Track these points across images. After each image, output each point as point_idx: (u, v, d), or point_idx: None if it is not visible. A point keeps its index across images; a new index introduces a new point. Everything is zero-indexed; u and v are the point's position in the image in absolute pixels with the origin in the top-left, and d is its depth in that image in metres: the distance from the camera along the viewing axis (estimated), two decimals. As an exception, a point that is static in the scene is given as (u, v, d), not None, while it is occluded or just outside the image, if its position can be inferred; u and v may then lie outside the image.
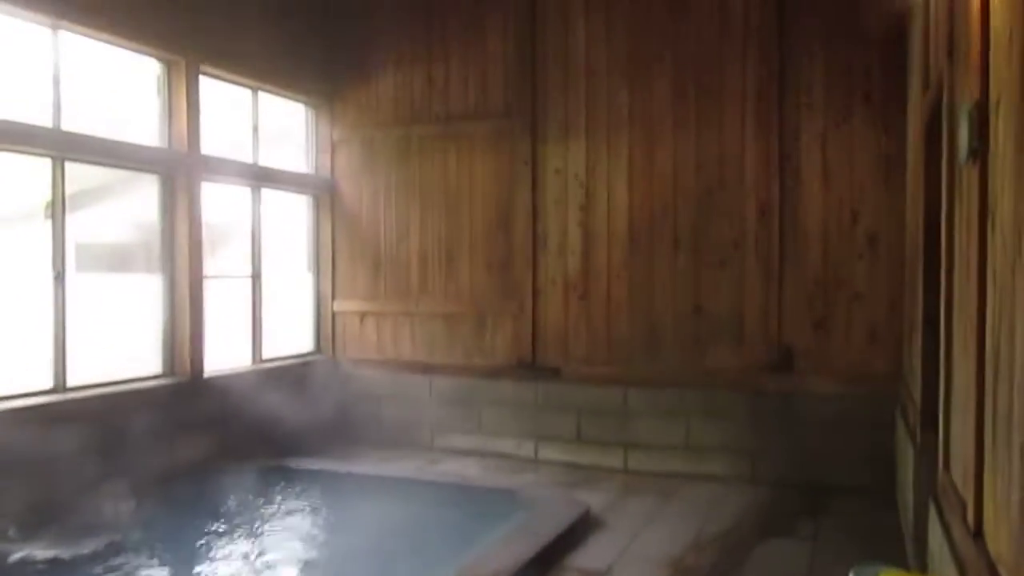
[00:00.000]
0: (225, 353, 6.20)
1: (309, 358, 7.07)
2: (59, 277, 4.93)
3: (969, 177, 2.38)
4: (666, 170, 6.05)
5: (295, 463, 6.00)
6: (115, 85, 5.61)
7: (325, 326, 7.22)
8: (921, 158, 4.00)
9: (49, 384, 4.92)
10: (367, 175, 7.05)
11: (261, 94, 6.61)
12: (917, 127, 4.32)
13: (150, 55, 5.60)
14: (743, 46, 5.84)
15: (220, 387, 5.91)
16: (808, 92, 5.69)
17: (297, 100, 7.04)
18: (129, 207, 5.95)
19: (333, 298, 7.18)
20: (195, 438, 5.65)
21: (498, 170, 6.56)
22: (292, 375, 6.68)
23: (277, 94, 6.77)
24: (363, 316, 7.07)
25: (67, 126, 4.96)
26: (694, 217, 5.97)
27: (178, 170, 5.70)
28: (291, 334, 7.02)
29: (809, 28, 5.68)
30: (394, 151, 6.92)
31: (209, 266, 5.95)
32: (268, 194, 6.67)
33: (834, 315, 5.67)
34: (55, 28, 4.90)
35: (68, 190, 5.01)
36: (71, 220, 5.03)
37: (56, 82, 4.91)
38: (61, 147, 4.92)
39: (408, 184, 6.87)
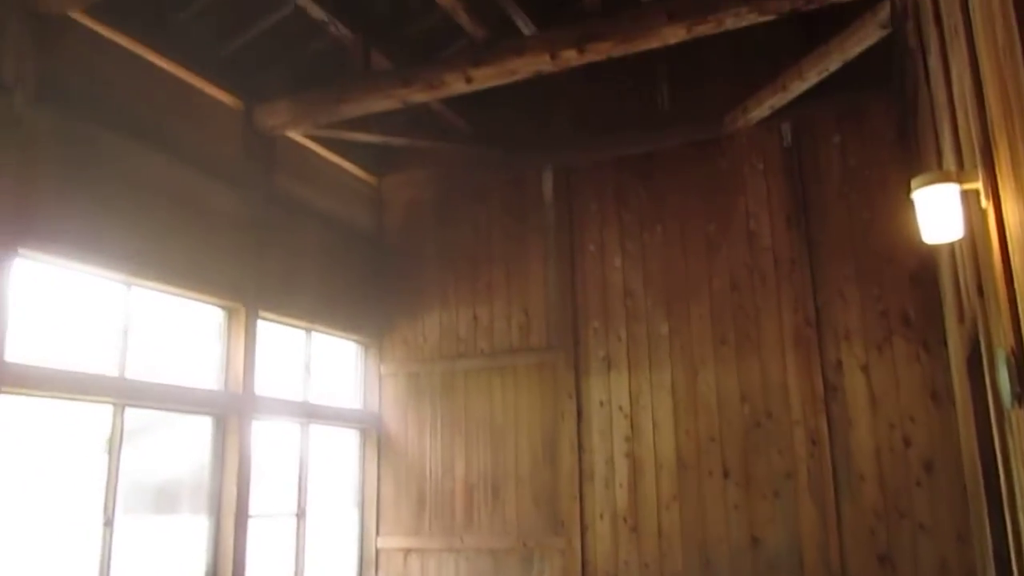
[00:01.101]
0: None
1: (353, 599, 6.83)
2: (108, 523, 4.97)
3: (1018, 419, 2.37)
4: (710, 401, 6.08)
5: None
6: (176, 331, 5.94)
7: (368, 564, 7.03)
8: (967, 389, 3.99)
9: (87, 637, 4.80)
10: (413, 409, 7.17)
11: (314, 334, 6.92)
12: (959, 358, 4.35)
13: (212, 304, 5.97)
14: (777, 293, 6.06)
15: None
16: (845, 327, 5.80)
17: (348, 339, 7.34)
18: (179, 446, 6.07)
19: (377, 534, 7.04)
20: None
21: (543, 402, 6.64)
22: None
23: (329, 333, 7.08)
24: (407, 553, 6.89)
25: (131, 374, 5.22)
26: (743, 447, 5.91)
27: (231, 411, 5.87)
28: (332, 571, 6.83)
29: (841, 272, 5.90)
30: (440, 385, 7.08)
31: (254, 504, 5.95)
32: (316, 429, 6.79)
33: (899, 548, 5.40)
34: (129, 284, 5.30)
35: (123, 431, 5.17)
36: (122, 459, 5.15)
37: (124, 333, 5.23)
38: (124, 394, 5.14)
39: (454, 417, 6.96)
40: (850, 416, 5.68)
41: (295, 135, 6.73)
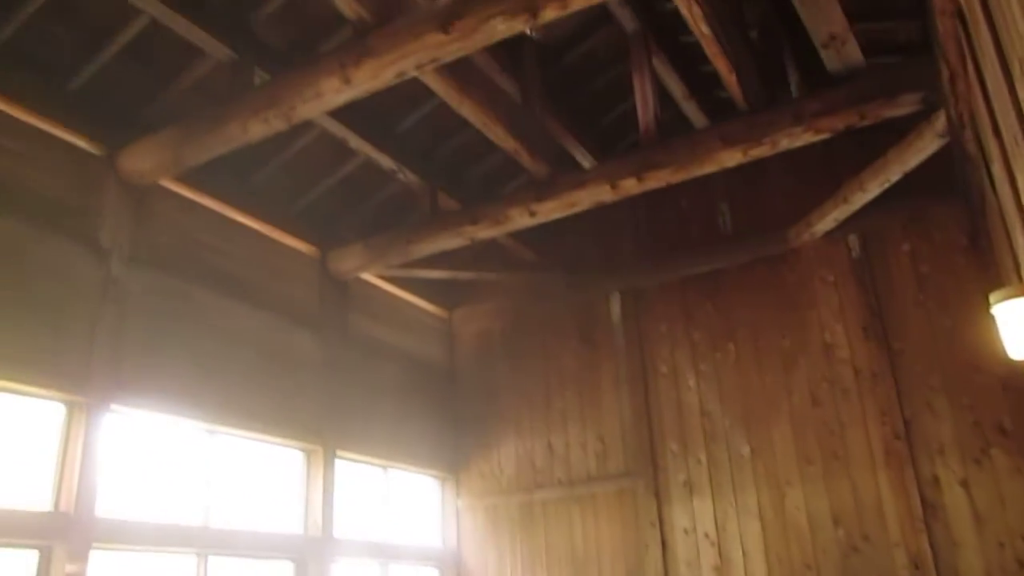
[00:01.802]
0: None
1: None
2: (193, 677, 4.93)
3: None
4: (801, 524, 5.81)
5: None
6: (256, 474, 6.02)
7: None
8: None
9: None
10: (492, 543, 7.03)
11: (391, 470, 6.94)
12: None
13: (292, 446, 6.07)
14: (861, 407, 5.88)
15: None
16: (938, 440, 5.56)
17: (424, 473, 7.33)
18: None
19: None
20: None
21: (624, 532, 6.44)
22: None
23: (405, 469, 7.09)
24: None
25: (214, 523, 5.29)
26: (840, 574, 5.58)
27: (311, 555, 5.85)
28: None
29: (926, 382, 5.71)
30: (518, 517, 6.96)
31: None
32: (395, 568, 6.69)
33: None
34: (212, 432, 5.45)
35: None
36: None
37: (207, 482, 5.34)
38: (207, 544, 5.20)
39: (534, 550, 6.79)
40: (954, 536, 5.35)
41: (368, 276, 6.98)
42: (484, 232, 6.11)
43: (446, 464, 7.38)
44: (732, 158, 5.23)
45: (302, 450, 6.14)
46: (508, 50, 5.59)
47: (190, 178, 5.50)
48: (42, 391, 4.51)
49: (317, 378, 6.25)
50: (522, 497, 6.99)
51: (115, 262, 5.00)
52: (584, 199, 5.69)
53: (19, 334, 4.39)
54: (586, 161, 6.33)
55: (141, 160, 5.07)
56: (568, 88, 6.44)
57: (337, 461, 6.25)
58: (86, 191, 5.01)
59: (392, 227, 6.55)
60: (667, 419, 6.56)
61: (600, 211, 6.44)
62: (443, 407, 7.56)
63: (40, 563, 4.31)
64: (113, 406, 4.78)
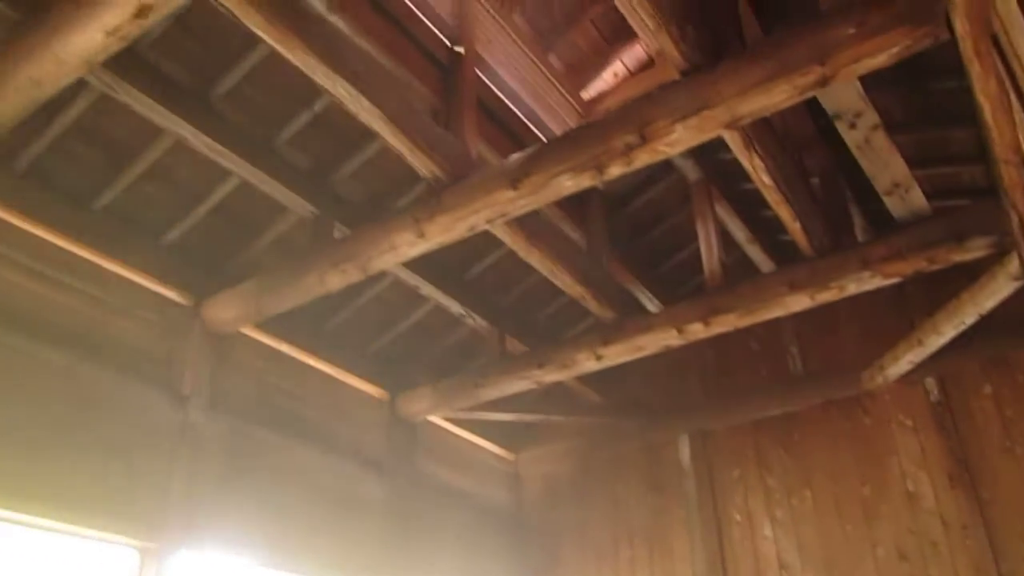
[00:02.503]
0: None
1: None
2: None
3: None
4: None
5: None
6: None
7: None
8: None
9: None
10: None
11: (455, 622, 6.73)
12: None
13: (357, 594, 5.98)
14: (952, 563, 5.53)
15: None
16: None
17: (489, 624, 7.09)
18: None
19: None
20: None
21: None
22: None
23: (470, 620, 6.87)
24: None
25: (277, 674, 5.17)
26: None
27: None
28: None
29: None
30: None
31: None
32: None
33: None
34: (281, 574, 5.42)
35: None
36: None
37: (274, 631, 5.26)
38: None
39: None
40: None
41: (436, 419, 7.03)
42: (550, 376, 6.14)
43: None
44: (799, 303, 5.22)
45: (373, 601, 6.03)
46: (574, 200, 5.80)
47: (268, 325, 5.72)
48: (117, 536, 4.58)
49: (384, 522, 6.20)
50: (593, 652, 6.66)
51: (193, 408, 5.16)
52: (650, 343, 5.71)
53: (96, 479, 4.50)
54: (652, 305, 6.38)
55: (224, 310, 5.31)
56: (633, 234, 6.61)
57: (402, 611, 6.11)
58: (171, 339, 5.25)
59: (460, 370, 6.65)
60: (743, 571, 6.26)
61: (667, 353, 6.42)
62: (508, 552, 7.36)
63: None
64: (184, 550, 4.82)
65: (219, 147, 4.73)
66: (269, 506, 5.40)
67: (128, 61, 4.18)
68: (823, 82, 3.48)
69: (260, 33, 3.67)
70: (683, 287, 7.17)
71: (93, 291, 4.90)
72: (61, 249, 4.79)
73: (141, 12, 3.12)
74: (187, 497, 4.91)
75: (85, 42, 3.25)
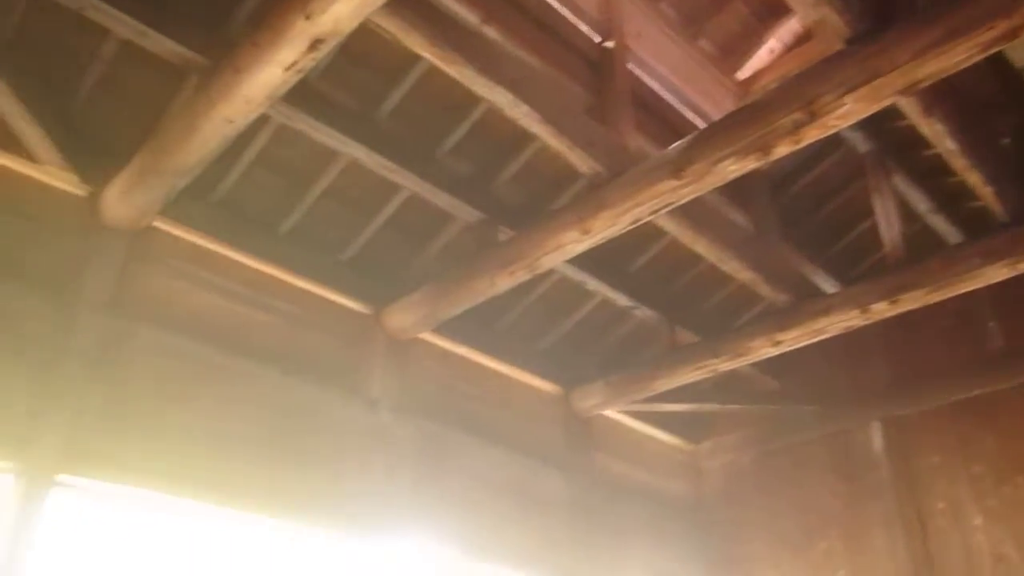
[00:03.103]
0: None
1: None
2: None
3: None
4: None
5: None
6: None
7: None
8: None
9: None
10: None
11: (643, 615, 6.72)
12: None
13: (545, 587, 6.11)
14: None
15: None
16: None
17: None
18: None
19: None
20: None
21: None
22: None
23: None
24: None
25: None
26: None
27: None
28: None
29: None
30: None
31: None
32: None
33: None
34: (468, 569, 5.62)
35: None
36: None
37: (469, 622, 5.48)
38: None
39: None
40: None
41: (610, 413, 7.04)
42: (725, 364, 6.00)
43: (701, 611, 7.03)
44: (996, 274, 4.81)
45: (556, 590, 6.14)
46: (737, 184, 5.64)
47: (444, 329, 5.95)
48: (326, 531, 4.95)
49: (566, 516, 6.29)
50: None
51: (383, 411, 5.47)
52: (831, 326, 5.45)
53: (303, 482, 4.88)
54: (828, 286, 6.09)
55: (402, 317, 5.59)
56: (802, 214, 6.34)
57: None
58: (357, 348, 5.59)
59: (631, 363, 6.63)
60: (951, 564, 5.84)
61: (848, 335, 6.11)
62: (691, 545, 7.25)
63: None
64: (385, 542, 5.11)
65: (388, 163, 4.98)
66: (459, 502, 5.62)
67: (302, 92, 4.49)
68: (1012, 35, 3.20)
69: (421, 52, 3.85)
70: (860, 265, 6.79)
71: (285, 308, 5.30)
72: (255, 271, 5.22)
73: (314, 45, 3.34)
74: (386, 496, 5.21)
75: (267, 79, 3.53)
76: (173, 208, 4.69)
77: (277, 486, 4.73)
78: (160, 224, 4.79)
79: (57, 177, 4.43)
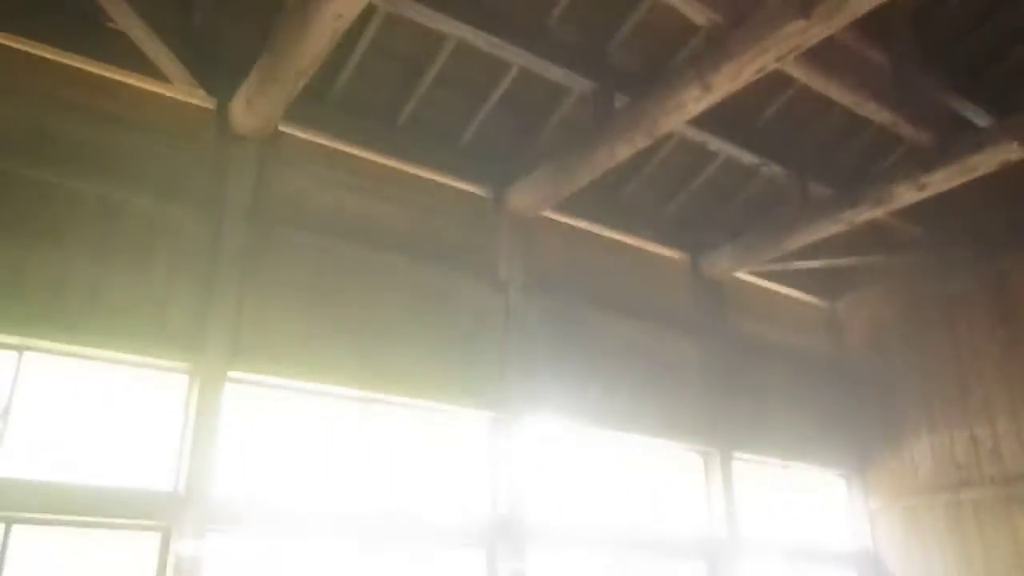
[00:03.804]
0: None
1: None
2: (626, 670, 5.24)
3: None
4: None
5: None
6: (656, 478, 6.20)
7: None
8: None
9: None
10: (916, 547, 6.45)
11: (790, 469, 6.74)
12: None
13: (687, 449, 6.19)
14: None
15: None
16: None
17: (826, 471, 7.01)
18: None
19: None
20: None
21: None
22: None
23: (804, 468, 6.84)
24: None
25: (626, 524, 5.61)
26: None
27: (719, 555, 5.90)
28: None
29: None
30: (944, 520, 6.30)
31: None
32: (806, 569, 6.47)
33: None
34: (611, 439, 5.78)
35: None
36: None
37: (616, 486, 5.66)
38: (623, 543, 5.53)
39: (967, 557, 6.09)
40: None
41: (742, 275, 6.90)
42: (864, 215, 5.72)
43: (851, 461, 6.99)
44: None
45: (698, 452, 6.23)
46: (874, 17, 5.18)
47: (566, 206, 5.91)
48: (466, 410, 5.18)
49: (702, 381, 6.32)
50: (946, 497, 6.33)
51: (512, 292, 5.56)
52: (984, 162, 5.06)
53: (443, 362, 5.08)
54: (980, 119, 5.61)
55: (524, 197, 5.58)
56: (947, 43, 5.78)
57: (733, 462, 6.24)
58: (482, 231, 5.65)
59: (761, 223, 6.42)
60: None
61: (999, 172, 5.66)
62: (835, 402, 7.16)
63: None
64: (527, 417, 5.30)
65: (496, 40, 4.85)
66: (593, 375, 5.71)
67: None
68: None
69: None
70: (1017, 94, 6.18)
71: (410, 198, 5.39)
72: (378, 165, 5.31)
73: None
74: (523, 372, 5.36)
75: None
76: (296, 112, 4.80)
77: (418, 369, 4.94)
78: (286, 129, 4.93)
79: (188, 94, 4.61)
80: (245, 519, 4.15)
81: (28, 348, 3.84)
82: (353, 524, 4.52)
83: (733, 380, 6.51)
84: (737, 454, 6.29)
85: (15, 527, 3.61)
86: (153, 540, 3.95)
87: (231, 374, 4.27)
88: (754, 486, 6.49)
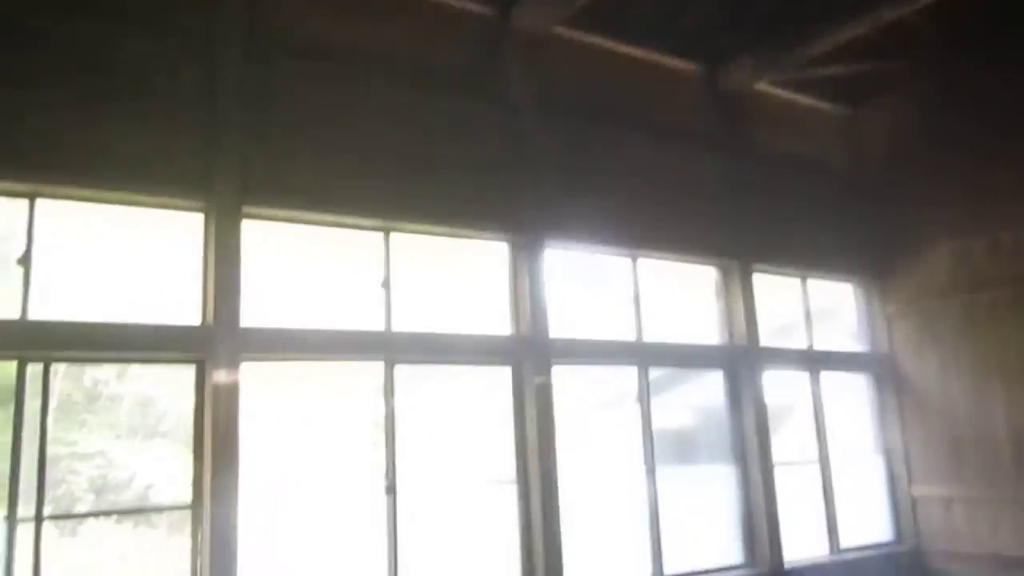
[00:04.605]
0: (800, 541, 6.09)
1: (889, 548, 6.56)
2: (650, 471, 5.53)
3: None
4: None
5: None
6: (677, 293, 6.28)
7: (903, 512, 6.67)
8: None
9: (649, 573, 5.39)
10: (930, 348, 6.59)
11: (809, 281, 6.79)
12: None
13: (708, 264, 6.23)
14: None
15: (801, 579, 5.85)
16: None
17: (844, 281, 7.06)
18: (691, 399, 6.36)
19: (910, 482, 6.64)
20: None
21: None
22: (873, 566, 6.26)
23: (823, 278, 6.89)
24: (949, 502, 6.37)
25: (647, 337, 5.72)
26: None
27: (739, 363, 6.07)
28: (864, 521, 6.59)
29: None
30: (960, 320, 6.39)
31: (776, 452, 6.05)
32: (824, 376, 6.66)
33: None
34: (634, 258, 5.80)
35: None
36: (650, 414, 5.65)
37: (636, 302, 5.74)
38: (643, 356, 5.69)
39: (981, 356, 6.22)
40: None
41: (761, 87, 6.66)
42: (890, 11, 5.42)
43: (868, 270, 7.02)
44: None
45: (717, 267, 6.27)
46: None
47: (577, 21, 5.63)
48: (490, 235, 5.20)
49: (720, 196, 6.24)
50: (962, 299, 6.38)
51: (525, 115, 5.41)
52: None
53: (464, 188, 5.03)
54: None
55: (531, 13, 5.32)
56: None
57: (754, 276, 6.27)
58: (490, 54, 5.43)
59: (781, 28, 6.10)
60: None
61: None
62: (857, 211, 7.09)
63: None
64: (549, 242, 5.31)
65: None
66: (610, 195, 5.64)
67: None
68: None
69: None
70: None
71: (414, 22, 5.14)
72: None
73: None
74: (538, 194, 5.30)
75: None
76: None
77: (434, 198, 4.90)
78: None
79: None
80: (275, 347, 4.28)
81: (40, 195, 3.83)
82: (382, 347, 4.65)
83: (751, 194, 6.42)
84: (757, 267, 6.31)
85: (53, 366, 3.77)
86: (189, 372, 4.12)
87: (246, 209, 4.26)
88: (772, 298, 6.55)
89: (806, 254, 6.67)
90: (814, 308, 6.81)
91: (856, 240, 7.02)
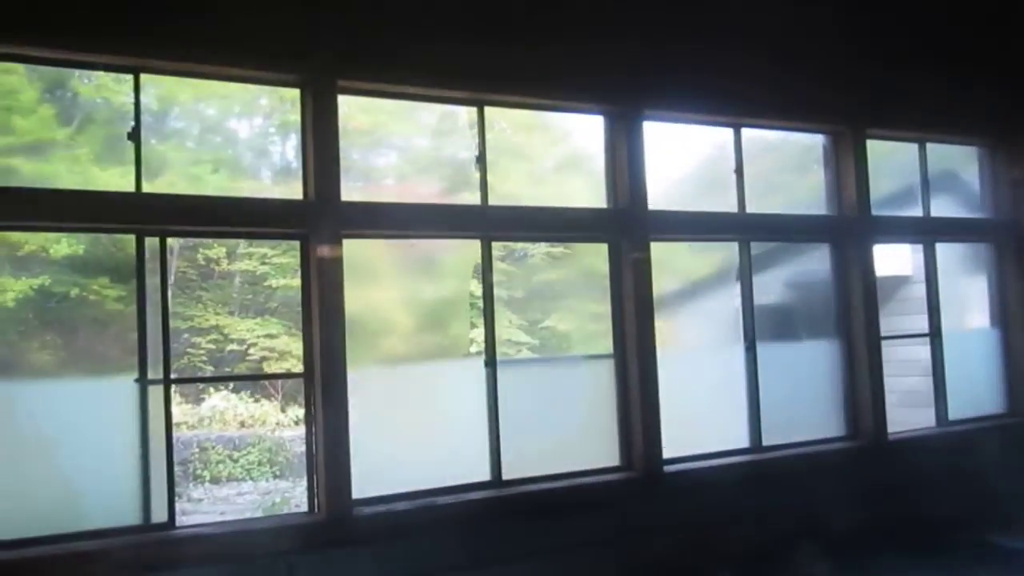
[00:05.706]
0: (908, 415, 5.98)
1: (1000, 420, 6.36)
2: (751, 347, 5.44)
3: None
4: None
5: (1007, 540, 5.42)
6: (782, 164, 6.01)
7: (1017, 385, 6.42)
8: None
9: (747, 444, 5.41)
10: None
11: (928, 145, 6.34)
12: None
13: (817, 131, 5.88)
14: None
15: (905, 451, 5.75)
16: None
17: (966, 144, 6.56)
18: (797, 272, 6.17)
19: (1027, 350, 6.36)
20: (880, 503, 5.54)
21: None
22: (983, 438, 6.10)
23: (943, 142, 6.42)
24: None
25: (750, 208, 5.50)
26: None
27: (848, 236, 5.80)
28: (975, 394, 6.36)
29: None
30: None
31: (883, 325, 5.85)
32: (940, 247, 6.32)
33: None
34: (736, 127, 5.52)
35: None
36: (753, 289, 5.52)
37: (739, 173, 5.49)
38: (747, 230, 5.49)
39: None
40: None
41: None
42: None
43: (993, 131, 6.48)
44: None
45: (828, 134, 5.91)
46: None
47: None
48: (581, 107, 5.04)
49: (835, 51, 5.78)
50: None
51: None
52: None
53: (555, 59, 4.79)
54: None
55: None
56: None
57: (868, 141, 5.89)
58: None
59: None
60: None
61: None
62: (983, 67, 6.42)
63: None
64: (643, 113, 5.10)
65: None
66: (709, 62, 5.22)
67: None
68: None
69: None
70: None
71: None
72: None
73: None
74: (634, 63, 5.03)
75: None
76: None
77: (530, 67, 4.72)
78: None
79: None
80: (374, 223, 4.32)
81: (144, 70, 3.88)
82: (478, 222, 4.64)
83: (864, 51, 5.92)
84: (870, 132, 5.91)
85: (169, 240, 3.93)
86: (294, 250, 4.23)
87: (342, 83, 4.21)
88: (887, 165, 6.17)
89: (925, 116, 6.15)
90: (932, 175, 6.39)
91: (985, 100, 6.37)
